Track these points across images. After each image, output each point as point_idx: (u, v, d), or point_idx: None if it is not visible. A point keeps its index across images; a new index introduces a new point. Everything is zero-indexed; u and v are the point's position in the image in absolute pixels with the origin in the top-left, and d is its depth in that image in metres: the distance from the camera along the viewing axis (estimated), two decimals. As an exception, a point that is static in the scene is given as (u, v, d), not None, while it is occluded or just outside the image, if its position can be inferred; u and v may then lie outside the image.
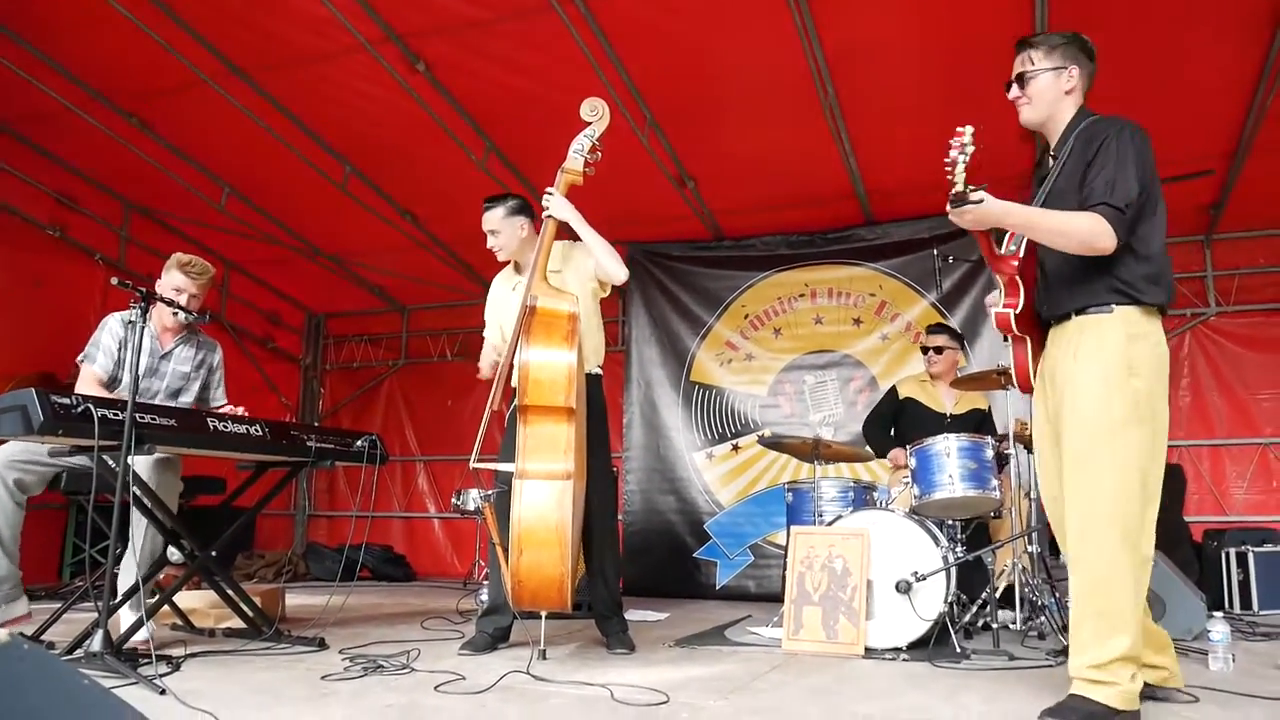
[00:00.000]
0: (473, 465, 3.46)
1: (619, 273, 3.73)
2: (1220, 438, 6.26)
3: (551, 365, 3.28)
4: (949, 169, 2.46)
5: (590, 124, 3.72)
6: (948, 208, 2.50)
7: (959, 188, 2.46)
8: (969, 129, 2.46)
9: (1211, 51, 4.60)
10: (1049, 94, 2.70)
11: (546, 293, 3.45)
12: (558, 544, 3.14)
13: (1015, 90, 2.74)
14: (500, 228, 3.86)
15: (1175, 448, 6.33)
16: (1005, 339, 2.84)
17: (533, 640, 3.47)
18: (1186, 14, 4.36)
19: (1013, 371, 2.83)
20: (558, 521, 3.16)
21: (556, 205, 3.64)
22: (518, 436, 3.28)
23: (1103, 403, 2.45)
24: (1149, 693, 2.59)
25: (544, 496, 3.19)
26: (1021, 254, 2.71)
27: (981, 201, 2.45)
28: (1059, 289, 2.63)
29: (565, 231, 3.71)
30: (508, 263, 4.04)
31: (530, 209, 3.93)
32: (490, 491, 3.53)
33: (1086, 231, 2.45)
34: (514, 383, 3.52)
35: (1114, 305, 2.51)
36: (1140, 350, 2.48)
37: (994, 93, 4.95)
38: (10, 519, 3.42)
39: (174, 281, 3.75)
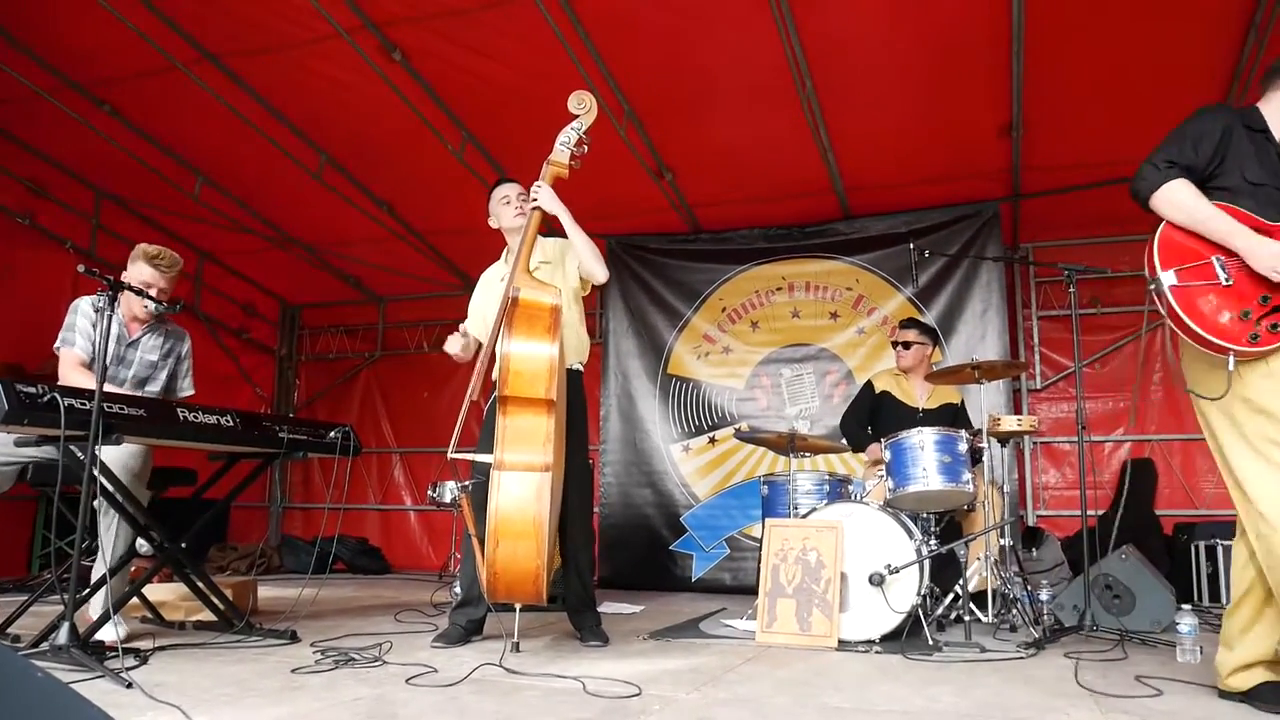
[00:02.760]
0: (450, 456, 3.44)
1: (600, 273, 3.72)
2: (1191, 432, 6.31)
3: (533, 357, 3.26)
4: None
5: (578, 117, 3.68)
6: None
7: None
8: None
9: (1188, 44, 4.63)
10: None
11: (529, 285, 3.41)
12: (534, 536, 3.12)
13: None
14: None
15: (1147, 442, 6.42)
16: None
17: (506, 633, 3.46)
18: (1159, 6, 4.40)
19: (1234, 350, 2.50)
20: (535, 514, 3.13)
21: (545, 198, 3.60)
22: (497, 427, 3.26)
23: None
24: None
25: (522, 488, 3.16)
26: None
27: None
28: None
29: (551, 225, 3.70)
30: (496, 257, 4.03)
31: None
32: (467, 483, 3.51)
33: None
34: (494, 375, 3.51)
35: None
36: None
37: (971, 88, 5.04)
38: None
39: (141, 275, 3.69)
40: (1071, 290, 4.30)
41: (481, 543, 3.24)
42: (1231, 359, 2.47)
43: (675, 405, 6.87)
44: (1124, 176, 5.64)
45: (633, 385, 6.97)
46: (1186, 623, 3.36)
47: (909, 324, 5.25)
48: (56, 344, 3.73)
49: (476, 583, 3.51)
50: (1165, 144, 2.71)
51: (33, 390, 2.87)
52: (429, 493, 5.82)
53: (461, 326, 4.02)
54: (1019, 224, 6.55)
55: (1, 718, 1.01)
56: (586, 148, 3.69)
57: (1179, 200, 2.62)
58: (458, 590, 4.00)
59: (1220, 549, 5.39)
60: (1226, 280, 2.54)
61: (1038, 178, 5.88)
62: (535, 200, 3.61)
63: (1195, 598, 5.39)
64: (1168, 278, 2.57)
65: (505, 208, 3.87)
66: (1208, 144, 2.65)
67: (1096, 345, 6.54)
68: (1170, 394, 6.38)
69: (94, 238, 6.63)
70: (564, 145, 3.66)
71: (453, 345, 3.87)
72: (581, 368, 3.87)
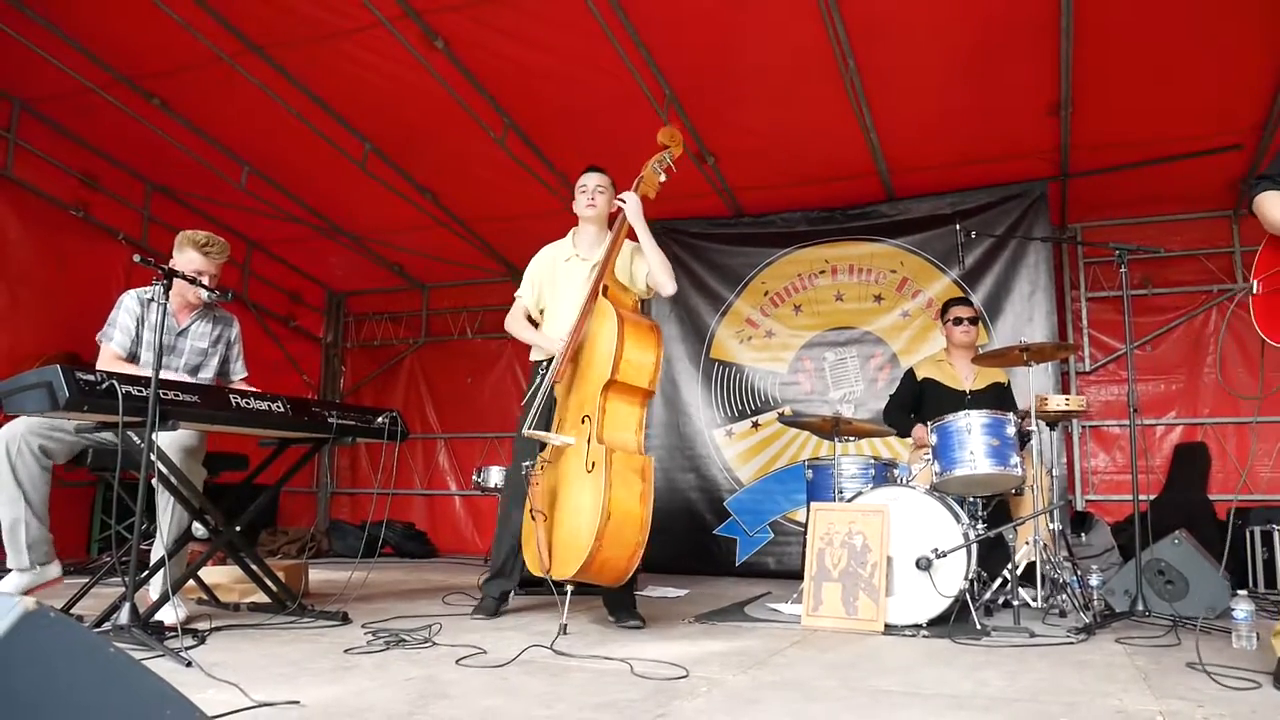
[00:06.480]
0: (527, 433, 3.66)
1: (669, 286, 3.94)
2: (1247, 415, 6.19)
3: (644, 351, 3.60)
4: None
5: (667, 148, 3.96)
6: None
7: None
8: None
9: (1240, 21, 4.52)
10: None
11: (613, 283, 3.76)
12: (640, 516, 3.44)
13: None
14: (608, 190, 4.06)
15: (1201, 425, 6.29)
16: None
17: (560, 607, 3.50)
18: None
19: None
20: (642, 492, 3.44)
21: (632, 206, 3.83)
22: (592, 406, 3.47)
23: None
24: None
25: (632, 468, 3.44)
26: None
27: None
28: None
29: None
30: (538, 242, 4.16)
31: None
32: (530, 463, 3.58)
33: None
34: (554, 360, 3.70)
35: None
36: None
37: (1018, 66, 4.95)
38: (37, 484, 3.45)
39: (191, 262, 3.72)
40: (1123, 270, 4.23)
41: (543, 518, 3.47)
42: None
43: (718, 389, 6.86)
44: (1174, 155, 5.58)
45: (675, 369, 6.96)
46: (1242, 609, 3.29)
47: (961, 301, 5.16)
48: (99, 335, 3.81)
49: (510, 555, 3.85)
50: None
51: (92, 378, 2.94)
52: (474, 478, 5.89)
53: (519, 304, 4.19)
54: (1067, 204, 6.44)
55: (77, 688, 1.04)
56: (669, 176, 3.99)
57: (1260, 211, 2.74)
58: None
59: (1277, 534, 5.29)
60: None
61: (1086, 157, 5.77)
62: (624, 202, 3.83)
63: (1251, 583, 5.29)
64: (1254, 286, 2.72)
65: (580, 195, 4.09)
66: None
67: (1148, 327, 6.42)
68: (1226, 376, 6.25)
69: (145, 229, 6.76)
70: (657, 164, 3.94)
71: (556, 349, 3.88)
72: None
